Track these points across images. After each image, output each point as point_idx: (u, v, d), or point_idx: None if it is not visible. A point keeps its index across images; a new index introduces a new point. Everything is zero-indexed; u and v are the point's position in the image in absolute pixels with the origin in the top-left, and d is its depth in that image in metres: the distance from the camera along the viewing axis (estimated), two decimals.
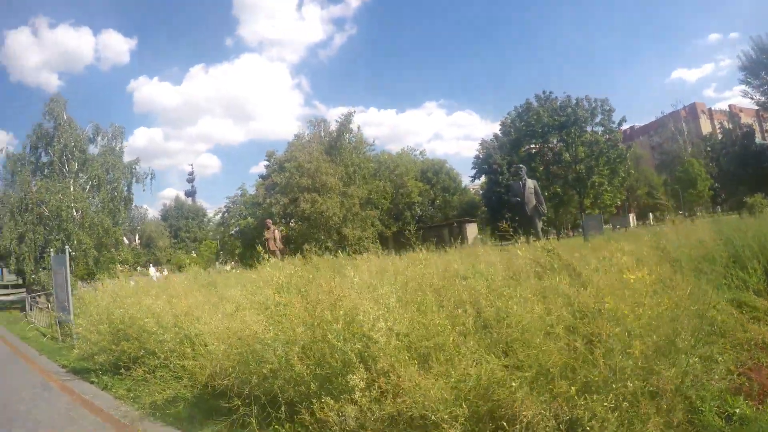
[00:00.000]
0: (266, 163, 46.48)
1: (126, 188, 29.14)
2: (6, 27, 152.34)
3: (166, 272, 36.50)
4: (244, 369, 5.43)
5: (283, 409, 4.99)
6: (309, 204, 33.09)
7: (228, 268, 29.08)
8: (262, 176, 46.59)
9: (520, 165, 18.21)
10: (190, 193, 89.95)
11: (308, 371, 4.72)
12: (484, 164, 59.98)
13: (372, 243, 29.37)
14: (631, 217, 54.37)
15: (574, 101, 48.85)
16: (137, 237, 71.45)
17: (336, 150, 38.64)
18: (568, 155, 47.98)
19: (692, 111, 78.80)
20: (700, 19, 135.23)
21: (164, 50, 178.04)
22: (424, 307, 4.91)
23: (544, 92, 50.86)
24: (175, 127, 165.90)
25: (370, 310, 4.59)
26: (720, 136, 64.64)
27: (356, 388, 4.19)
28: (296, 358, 4.79)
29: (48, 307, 21.31)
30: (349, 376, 4.27)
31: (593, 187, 47.56)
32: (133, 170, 29.49)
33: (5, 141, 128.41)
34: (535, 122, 49.29)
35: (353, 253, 14.11)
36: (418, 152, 58.48)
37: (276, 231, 20.66)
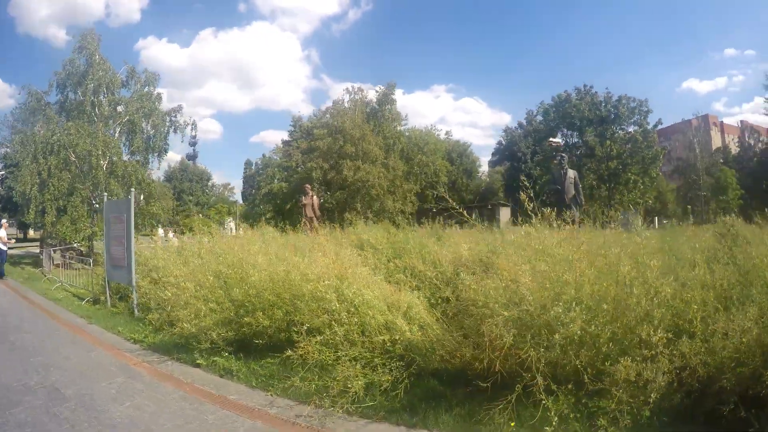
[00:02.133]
0: (291, 128, 44.24)
1: (164, 137, 24.78)
2: None
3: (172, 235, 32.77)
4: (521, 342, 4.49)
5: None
6: (352, 171, 30.19)
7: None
8: (285, 142, 44.45)
9: (563, 154, 18.25)
10: (192, 157, 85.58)
11: (603, 332, 4.32)
12: (506, 151, 57.39)
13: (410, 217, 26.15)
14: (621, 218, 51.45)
15: (616, 98, 46.80)
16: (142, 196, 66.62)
17: (376, 120, 36.25)
18: (601, 150, 45.97)
19: (704, 122, 75.90)
20: (718, 32, 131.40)
21: (176, 11, 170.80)
22: None
23: (584, 86, 48.56)
24: (179, 90, 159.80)
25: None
26: (737, 150, 64.66)
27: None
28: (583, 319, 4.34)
29: (66, 263, 18.29)
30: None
31: (626, 184, 45.99)
32: (173, 118, 25.16)
33: (7, 93, 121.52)
34: (574, 113, 46.87)
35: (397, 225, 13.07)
36: (443, 132, 54.79)
37: (314, 197, 18.90)
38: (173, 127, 25.14)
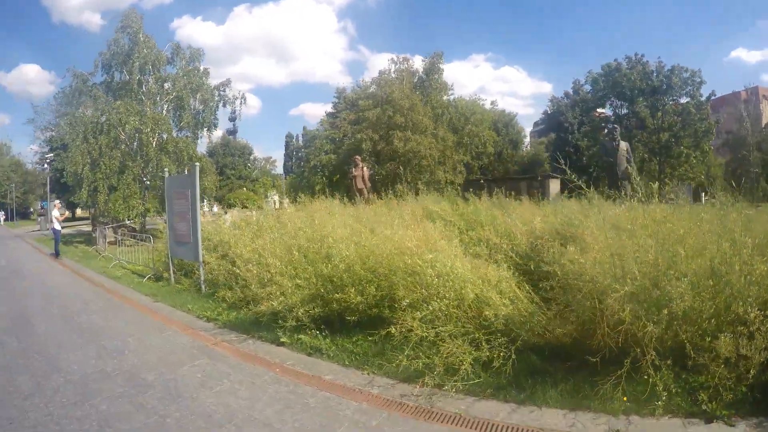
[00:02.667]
0: (335, 100, 43.82)
1: (214, 112, 24.02)
2: None
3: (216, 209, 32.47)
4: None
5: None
6: (402, 142, 29.12)
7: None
8: (330, 114, 43.80)
9: (615, 125, 18.48)
10: (232, 132, 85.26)
11: (705, 308, 4.29)
12: (552, 121, 55.14)
13: (458, 188, 26.28)
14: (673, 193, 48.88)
15: (668, 68, 43.65)
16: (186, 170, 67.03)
17: (424, 90, 35.16)
18: (653, 122, 43.61)
19: (754, 94, 71.03)
20: None
21: None
22: None
23: (636, 54, 45.27)
24: (216, 67, 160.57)
25: None
26: None
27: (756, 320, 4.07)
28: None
29: (119, 241, 17.75)
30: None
31: (678, 157, 43.53)
32: (222, 92, 24.32)
33: (47, 80, 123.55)
34: (625, 83, 44.01)
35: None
36: (488, 102, 52.72)
37: (365, 169, 18.35)
38: (222, 101, 24.31)
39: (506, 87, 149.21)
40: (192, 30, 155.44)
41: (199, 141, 24.49)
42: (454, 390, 4.59)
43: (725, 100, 65.92)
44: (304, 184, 37.41)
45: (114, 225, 21.26)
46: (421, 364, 4.86)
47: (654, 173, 43.14)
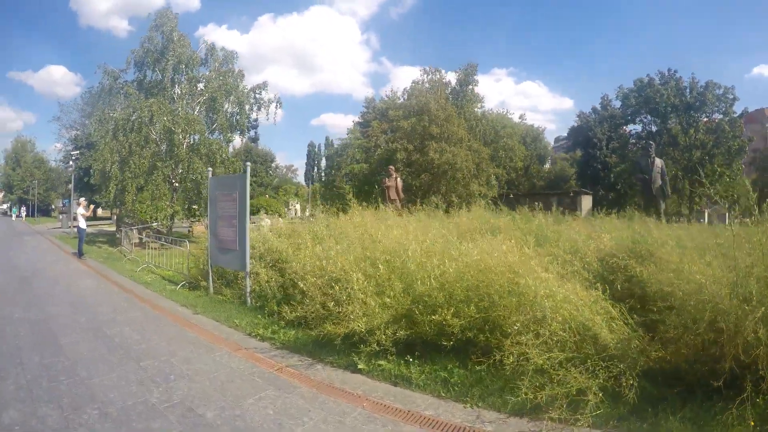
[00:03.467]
0: (364, 109, 43.79)
1: (248, 115, 22.88)
2: None
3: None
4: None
5: None
6: (438, 154, 27.98)
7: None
8: (359, 124, 43.30)
9: (651, 142, 18.64)
10: (254, 139, 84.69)
11: None
12: (580, 136, 53.14)
13: (489, 202, 25.30)
14: (707, 213, 47.47)
15: (702, 84, 42.61)
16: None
17: (458, 101, 34.63)
18: (685, 139, 42.46)
19: None
20: None
21: None
22: None
23: (669, 70, 44.26)
24: None
25: None
26: None
27: None
28: None
29: (144, 243, 16.90)
30: None
31: (710, 175, 41.41)
32: (257, 95, 23.17)
33: (73, 81, 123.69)
34: (658, 99, 42.83)
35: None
36: (517, 116, 51.49)
37: (398, 179, 17.89)
38: (257, 105, 23.16)
39: (527, 102, 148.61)
40: (217, 38, 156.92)
41: (231, 144, 23.33)
42: (579, 424, 3.97)
43: (751, 118, 64.20)
44: (334, 193, 36.29)
45: (140, 226, 20.12)
46: (545, 395, 4.10)
47: (685, 191, 42.41)
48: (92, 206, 21.45)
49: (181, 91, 22.08)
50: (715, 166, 41.83)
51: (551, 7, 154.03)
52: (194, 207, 22.34)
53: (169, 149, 20.52)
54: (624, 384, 4.14)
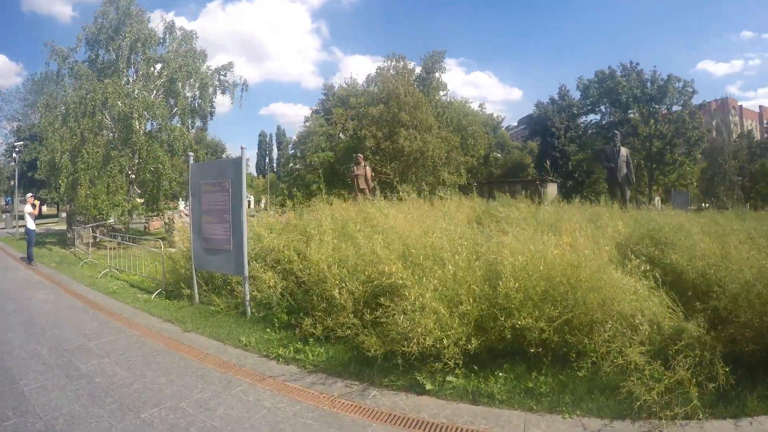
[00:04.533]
0: (323, 96, 42.55)
1: (211, 99, 20.57)
2: None
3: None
4: None
5: None
6: (408, 141, 26.81)
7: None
8: (316, 111, 42.17)
9: (616, 131, 18.82)
10: (202, 128, 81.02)
11: None
12: (538, 125, 54.49)
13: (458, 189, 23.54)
14: (657, 200, 48.99)
15: (664, 77, 44.07)
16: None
17: (425, 89, 33.64)
18: (645, 129, 43.99)
19: (723, 105, 71.75)
20: (735, 13, 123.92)
21: None
22: None
23: (631, 62, 45.51)
24: None
25: None
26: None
27: None
28: None
29: (99, 241, 15.38)
30: None
31: (672, 164, 44.09)
32: (221, 78, 20.87)
33: (14, 71, 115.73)
34: (621, 90, 43.97)
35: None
36: (476, 104, 50.63)
37: (367, 168, 16.61)
38: (221, 88, 20.82)
39: (477, 92, 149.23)
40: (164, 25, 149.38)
41: (193, 130, 20.93)
42: (680, 417, 3.84)
43: (705, 112, 66.35)
44: (298, 183, 34.38)
45: (94, 224, 17.85)
46: (655, 394, 3.83)
47: (643, 179, 43.96)
48: (37, 203, 18.83)
49: (138, 72, 19.53)
50: (676, 155, 43.82)
51: (501, 1, 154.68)
52: (155, 200, 19.91)
53: (125, 137, 18.16)
54: (718, 371, 3.97)
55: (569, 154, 49.66)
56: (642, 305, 4.47)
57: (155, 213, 20.37)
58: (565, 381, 4.48)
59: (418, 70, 34.99)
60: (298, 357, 5.57)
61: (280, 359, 5.62)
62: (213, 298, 8.10)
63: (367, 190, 15.56)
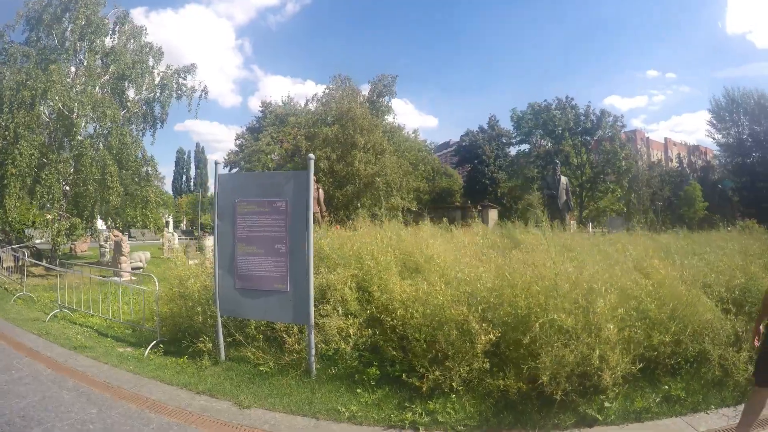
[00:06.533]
0: (259, 114, 41.27)
1: (167, 102, 17.34)
2: None
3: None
4: None
5: None
6: (363, 164, 25.32)
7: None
8: (251, 128, 40.79)
9: (557, 162, 20.01)
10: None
11: None
12: (467, 153, 55.35)
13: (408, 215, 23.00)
14: (572, 223, 50.88)
15: (599, 112, 47.07)
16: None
17: (376, 112, 32.52)
18: (577, 159, 45.66)
19: (631, 137, 76.92)
20: (642, 54, 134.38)
21: None
22: None
23: (567, 97, 47.75)
24: None
25: None
26: (677, 165, 66.13)
27: None
28: None
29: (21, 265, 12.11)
30: None
31: (605, 192, 46.09)
32: (178, 81, 17.68)
33: None
34: (557, 122, 45.66)
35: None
36: (411, 131, 50.04)
37: (320, 189, 16.14)
38: (178, 93, 17.56)
39: (391, 119, 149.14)
40: None
41: (141, 137, 17.40)
42: None
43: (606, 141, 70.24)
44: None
45: (19, 245, 14.27)
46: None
47: (574, 205, 44.95)
48: None
49: (84, 64, 16.10)
50: (608, 183, 46.34)
51: (418, 32, 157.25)
52: (90, 218, 16.22)
53: (64, 138, 14.74)
54: None
55: (498, 181, 51.17)
56: None
57: (80, 233, 16.34)
58: (696, 388, 4.78)
59: (365, 92, 33.62)
60: (439, 419, 4.33)
61: (417, 426, 4.29)
62: (257, 354, 5.85)
63: (318, 215, 14.19)
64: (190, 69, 17.62)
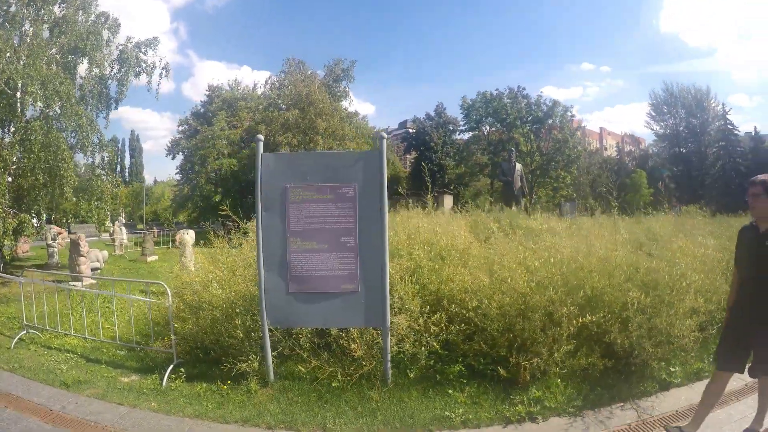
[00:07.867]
0: (205, 99, 37.58)
1: (126, 80, 15.21)
2: None
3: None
4: None
5: None
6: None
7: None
8: (196, 113, 37.37)
9: (512, 149, 19.99)
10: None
11: None
12: (415, 141, 55.08)
13: None
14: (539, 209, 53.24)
15: (550, 101, 47.40)
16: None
17: (332, 97, 30.75)
18: (527, 146, 46.03)
19: (579, 126, 79.99)
20: (577, 47, 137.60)
21: None
22: None
23: (519, 86, 48.24)
24: None
25: None
26: (615, 154, 69.23)
27: None
28: None
29: None
30: None
31: (555, 179, 46.66)
32: (138, 56, 15.63)
33: None
34: (509, 111, 46.11)
35: None
36: (361, 117, 49.11)
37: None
38: (137, 69, 15.54)
39: (347, 104, 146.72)
40: None
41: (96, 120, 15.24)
42: None
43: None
44: (196, 196, 29.07)
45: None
46: None
47: (526, 191, 45.43)
48: None
49: (35, 32, 13.73)
50: (559, 170, 46.42)
51: (358, 19, 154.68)
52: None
53: (6, 118, 12.66)
54: None
55: (446, 167, 51.17)
56: None
57: (23, 232, 13.67)
58: None
59: (320, 76, 32.30)
60: (548, 405, 4.35)
61: (534, 416, 4.24)
62: (324, 368, 4.88)
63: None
64: (152, 42, 15.52)
